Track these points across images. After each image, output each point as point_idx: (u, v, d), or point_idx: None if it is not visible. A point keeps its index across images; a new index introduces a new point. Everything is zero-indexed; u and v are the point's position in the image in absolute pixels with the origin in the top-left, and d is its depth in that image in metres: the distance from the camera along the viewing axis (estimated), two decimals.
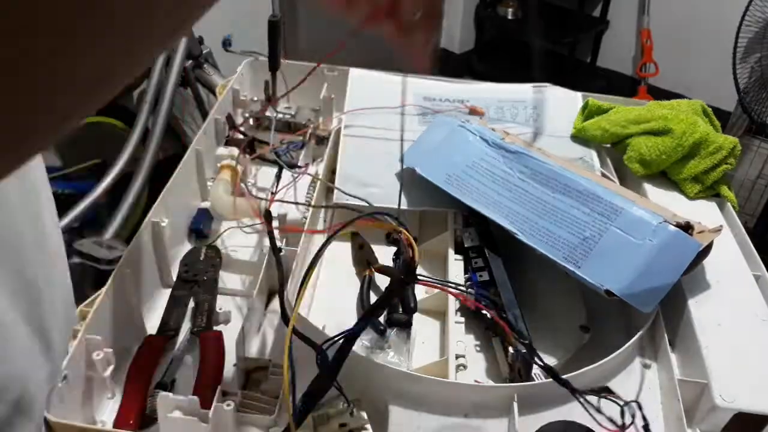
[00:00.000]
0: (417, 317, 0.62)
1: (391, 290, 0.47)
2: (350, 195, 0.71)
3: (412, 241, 0.47)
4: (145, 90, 1.50)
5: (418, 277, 0.49)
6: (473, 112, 0.87)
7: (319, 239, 0.72)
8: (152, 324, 0.62)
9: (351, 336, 0.45)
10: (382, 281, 0.68)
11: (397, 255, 0.68)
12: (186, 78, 1.58)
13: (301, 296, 0.46)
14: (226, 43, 1.68)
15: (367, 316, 0.47)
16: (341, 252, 0.73)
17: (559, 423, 0.50)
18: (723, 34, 1.96)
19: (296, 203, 0.74)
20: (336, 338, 0.46)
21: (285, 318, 0.55)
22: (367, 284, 0.67)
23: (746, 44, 1.82)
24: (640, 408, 0.48)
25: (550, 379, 0.51)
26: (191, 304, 0.65)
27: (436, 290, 0.65)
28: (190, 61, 1.58)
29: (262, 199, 0.76)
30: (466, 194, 0.65)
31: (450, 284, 0.55)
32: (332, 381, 0.45)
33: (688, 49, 2.50)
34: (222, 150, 0.79)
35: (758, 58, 1.81)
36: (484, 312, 0.53)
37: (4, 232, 0.41)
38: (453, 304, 0.61)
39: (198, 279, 0.67)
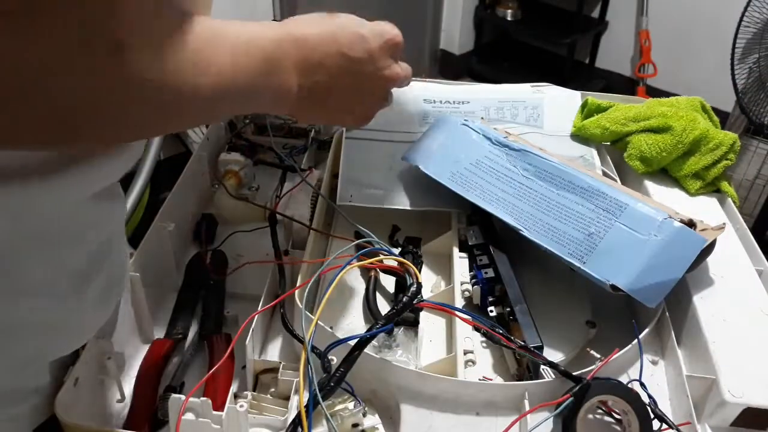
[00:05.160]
0: (423, 315, 0.63)
1: (400, 309, 0.51)
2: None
3: (415, 270, 0.54)
4: None
5: (430, 301, 0.56)
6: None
7: (323, 242, 0.72)
8: (160, 327, 0.63)
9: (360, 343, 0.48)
10: (388, 282, 0.68)
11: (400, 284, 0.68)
12: None
13: (317, 317, 0.49)
14: None
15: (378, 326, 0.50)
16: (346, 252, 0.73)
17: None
18: (721, 35, 1.96)
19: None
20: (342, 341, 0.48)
21: (287, 326, 0.56)
22: (372, 285, 0.67)
23: (744, 45, 1.82)
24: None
25: (560, 377, 0.51)
26: (199, 307, 0.65)
27: (443, 288, 0.66)
28: None
29: (263, 206, 0.77)
30: (470, 192, 0.66)
31: (458, 310, 0.57)
32: (339, 385, 0.46)
33: (687, 50, 2.50)
34: (225, 155, 0.80)
35: (756, 59, 1.80)
36: (494, 334, 0.55)
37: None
38: (459, 301, 0.62)
39: (204, 283, 0.67)
